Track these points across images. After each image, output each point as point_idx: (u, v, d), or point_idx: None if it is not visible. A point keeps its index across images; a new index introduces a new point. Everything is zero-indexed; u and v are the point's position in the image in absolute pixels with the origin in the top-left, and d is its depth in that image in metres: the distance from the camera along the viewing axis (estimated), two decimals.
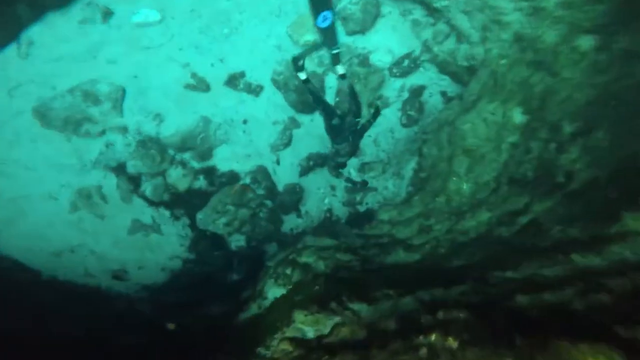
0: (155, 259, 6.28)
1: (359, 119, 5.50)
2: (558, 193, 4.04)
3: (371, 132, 7.28)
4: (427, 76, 6.93)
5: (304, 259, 4.64)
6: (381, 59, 6.98)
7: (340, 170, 5.73)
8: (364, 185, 6.03)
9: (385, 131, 7.27)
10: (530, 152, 4.80)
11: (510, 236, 4.42)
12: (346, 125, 5.23)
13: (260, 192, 7.15)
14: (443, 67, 6.61)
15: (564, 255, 3.12)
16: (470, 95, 5.88)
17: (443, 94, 6.97)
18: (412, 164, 7.25)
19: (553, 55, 4.36)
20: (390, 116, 7.18)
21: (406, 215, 5.95)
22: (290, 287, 4.18)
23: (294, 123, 7.22)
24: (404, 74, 6.93)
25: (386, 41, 6.90)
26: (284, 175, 7.36)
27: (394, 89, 7.07)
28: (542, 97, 4.56)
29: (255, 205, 7.07)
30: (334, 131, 5.25)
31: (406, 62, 6.84)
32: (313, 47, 6.55)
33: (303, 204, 7.46)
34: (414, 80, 6.98)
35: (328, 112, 5.27)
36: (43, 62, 5.59)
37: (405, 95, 7.08)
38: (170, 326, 4.27)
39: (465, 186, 5.63)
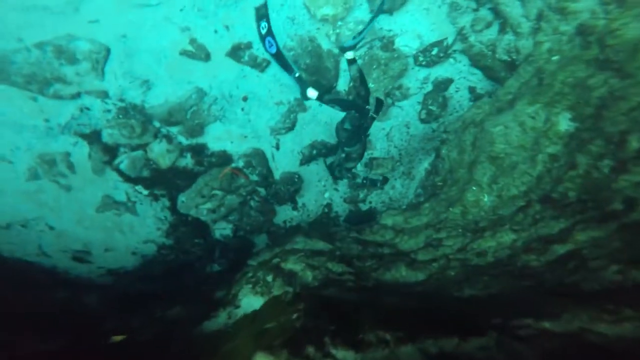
0: (126, 241, 5.57)
1: (369, 108, 5.06)
2: (613, 223, 3.23)
3: (385, 125, 6.49)
4: (456, 68, 6.06)
5: (290, 265, 3.90)
6: (407, 44, 6.10)
7: (353, 171, 5.21)
8: (384, 183, 5.40)
9: (401, 125, 6.45)
10: (576, 168, 3.97)
11: (541, 268, 3.63)
12: (363, 122, 4.84)
13: (254, 178, 6.38)
14: (477, 60, 5.74)
15: (630, 309, 2.33)
16: (506, 94, 5.03)
17: (471, 90, 6.11)
18: (425, 165, 6.46)
19: (629, 54, 3.50)
20: (408, 109, 6.35)
21: (413, 223, 5.17)
22: (268, 299, 3.46)
23: (300, 106, 6.41)
24: (431, 63, 6.06)
25: (416, 24, 6.01)
26: (283, 162, 6.59)
27: (417, 79, 6.21)
28: (601, 102, 3.72)
29: (247, 192, 6.32)
30: (348, 131, 4.91)
31: (435, 51, 5.97)
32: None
33: (300, 196, 6.70)
34: (441, 71, 6.12)
35: (352, 106, 4.96)
36: (10, 10, 4.76)
37: (429, 87, 6.24)
38: (116, 339, 3.53)
39: (486, 198, 4.83)
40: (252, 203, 6.44)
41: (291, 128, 6.48)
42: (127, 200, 5.69)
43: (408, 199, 6.30)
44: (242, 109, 6.24)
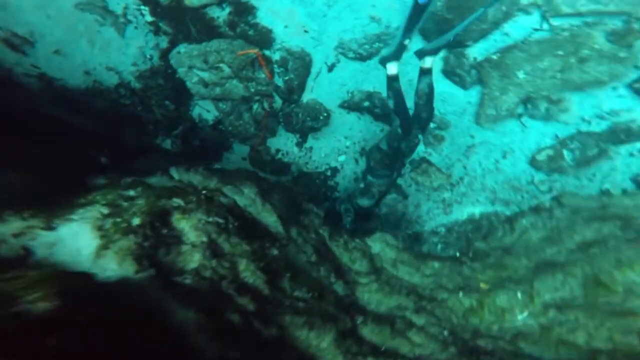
0: (89, 56, 4.25)
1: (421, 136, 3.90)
2: None
3: (477, 134, 4.74)
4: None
5: (186, 223, 2.61)
6: None
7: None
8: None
9: (497, 149, 4.70)
10: None
11: None
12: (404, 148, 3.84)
13: (278, 82, 4.85)
14: None
15: None
16: None
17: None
18: (477, 212, 4.84)
19: None
20: (531, 136, 4.57)
21: (399, 273, 3.75)
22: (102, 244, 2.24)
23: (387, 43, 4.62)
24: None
25: None
26: (323, 88, 4.99)
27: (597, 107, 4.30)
28: None
29: (258, 91, 4.83)
30: (383, 153, 3.87)
31: None
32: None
33: (315, 138, 5.23)
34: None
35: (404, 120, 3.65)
36: None
37: (598, 125, 4.36)
38: None
39: (521, 316, 3.31)
40: (255, 106, 4.99)
41: (362, 58, 4.74)
42: (122, 16, 4.21)
43: (422, 230, 4.88)
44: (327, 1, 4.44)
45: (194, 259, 2.42)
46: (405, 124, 3.65)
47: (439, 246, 4.90)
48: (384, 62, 3.65)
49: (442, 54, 4.51)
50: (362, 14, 4.49)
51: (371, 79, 4.85)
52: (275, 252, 2.78)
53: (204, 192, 2.99)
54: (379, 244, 3.91)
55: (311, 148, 5.24)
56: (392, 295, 3.24)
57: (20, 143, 2.99)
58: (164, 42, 4.48)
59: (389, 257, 3.83)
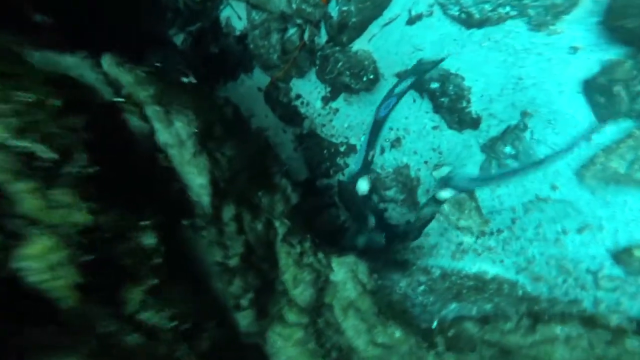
0: None
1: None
2: None
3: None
4: None
5: None
6: None
7: None
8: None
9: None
10: None
11: None
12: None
13: (332, 11, 3.61)
14: None
15: None
16: None
17: None
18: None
19: None
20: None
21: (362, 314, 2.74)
22: None
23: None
24: None
25: None
26: (386, 41, 3.71)
27: None
28: None
29: (302, 16, 3.62)
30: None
31: None
32: None
33: (347, 99, 3.99)
34: None
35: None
36: None
37: None
38: None
39: None
40: (291, 31, 3.79)
41: (467, 22, 3.35)
42: None
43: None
44: None
45: None
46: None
47: (421, 288, 3.80)
48: (354, 179, 3.64)
49: None
50: None
51: (463, 56, 3.44)
52: (151, 240, 1.74)
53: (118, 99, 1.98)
54: (344, 272, 2.80)
55: (337, 110, 4.03)
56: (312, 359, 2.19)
57: None
58: None
59: (347, 295, 2.73)
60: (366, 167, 3.67)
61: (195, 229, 2.00)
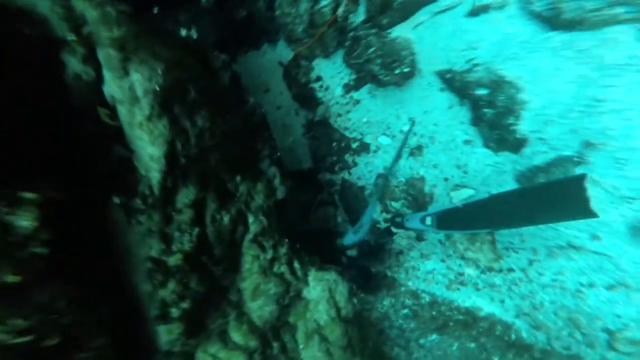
0: None
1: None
2: None
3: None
4: None
5: None
6: None
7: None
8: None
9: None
10: None
11: None
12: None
13: None
14: None
15: None
16: None
17: None
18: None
19: None
20: None
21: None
22: None
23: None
24: None
25: None
26: (436, 31, 3.16)
27: None
28: None
29: None
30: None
31: None
32: None
33: (372, 91, 3.47)
34: None
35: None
36: None
37: None
38: None
39: None
40: (323, 2, 3.28)
41: (551, 20, 2.72)
42: None
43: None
44: None
45: None
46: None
47: (405, 311, 3.35)
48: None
49: None
50: None
51: (529, 62, 2.81)
52: (26, 222, 1.31)
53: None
54: (320, 290, 2.34)
55: (357, 102, 3.52)
56: None
57: None
58: None
59: (317, 317, 2.27)
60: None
61: (131, 210, 1.59)
